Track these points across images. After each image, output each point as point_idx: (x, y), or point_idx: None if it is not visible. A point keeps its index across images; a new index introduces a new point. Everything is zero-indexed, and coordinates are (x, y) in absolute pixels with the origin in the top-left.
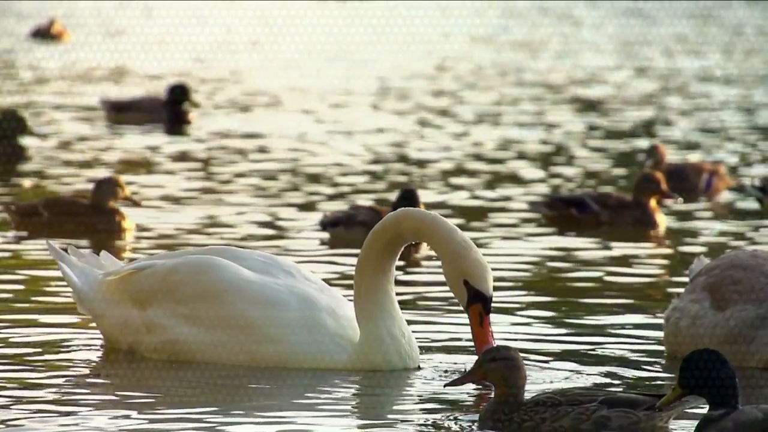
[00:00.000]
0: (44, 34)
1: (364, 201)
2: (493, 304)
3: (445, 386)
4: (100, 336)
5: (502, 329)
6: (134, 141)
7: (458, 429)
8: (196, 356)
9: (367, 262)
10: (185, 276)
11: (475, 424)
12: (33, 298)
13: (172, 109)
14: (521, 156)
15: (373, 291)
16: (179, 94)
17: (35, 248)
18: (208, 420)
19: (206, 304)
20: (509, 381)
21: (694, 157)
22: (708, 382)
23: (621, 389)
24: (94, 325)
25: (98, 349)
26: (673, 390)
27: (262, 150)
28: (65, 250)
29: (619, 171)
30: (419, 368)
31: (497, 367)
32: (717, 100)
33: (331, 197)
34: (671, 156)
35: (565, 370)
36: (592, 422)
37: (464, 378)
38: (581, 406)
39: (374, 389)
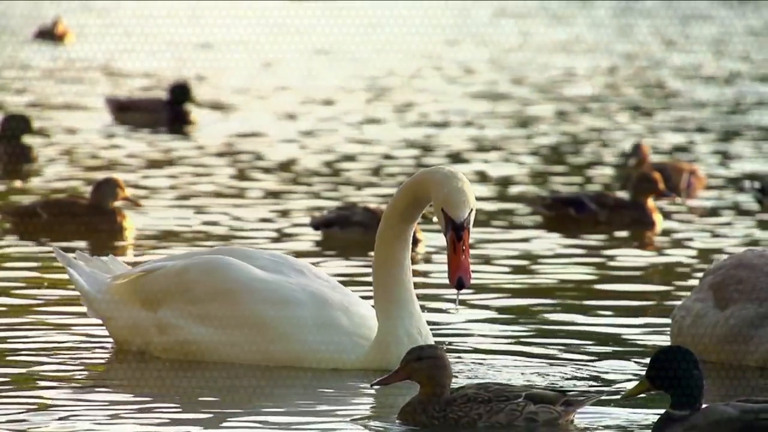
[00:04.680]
0: (48, 34)
1: (357, 200)
2: (490, 304)
3: (371, 386)
4: (108, 337)
5: (502, 329)
6: (135, 141)
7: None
8: (210, 356)
9: (383, 255)
10: (197, 276)
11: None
12: (35, 300)
13: (173, 109)
14: (516, 156)
15: (392, 284)
16: (180, 94)
17: (35, 250)
18: (215, 420)
19: (219, 303)
20: (435, 380)
21: (670, 156)
22: (680, 381)
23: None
24: (100, 326)
25: (106, 351)
26: (640, 383)
27: (257, 149)
28: (72, 254)
29: (605, 170)
30: None
31: (423, 366)
32: (699, 99)
33: (324, 197)
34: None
35: (564, 369)
36: (524, 418)
37: (390, 377)
38: (511, 402)
39: (386, 389)
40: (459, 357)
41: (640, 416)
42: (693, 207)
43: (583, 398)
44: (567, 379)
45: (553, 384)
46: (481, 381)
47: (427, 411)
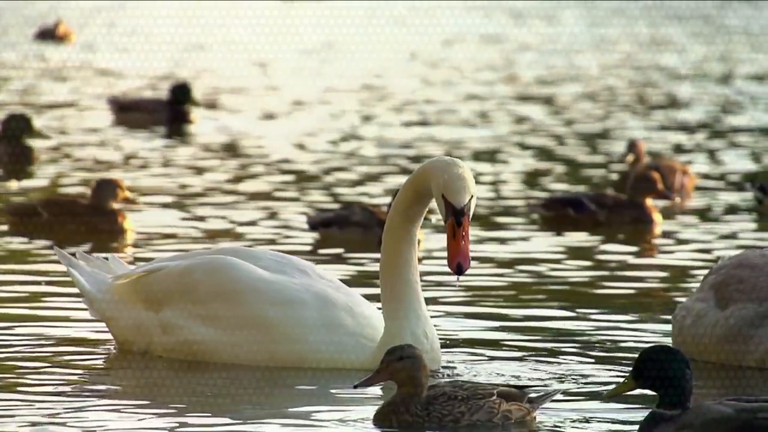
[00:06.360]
0: (49, 35)
1: (353, 200)
2: (490, 303)
3: (354, 387)
4: (110, 337)
5: (500, 328)
6: (136, 141)
7: (472, 428)
8: (214, 356)
9: (389, 256)
10: (201, 276)
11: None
12: (35, 300)
13: (173, 109)
14: (513, 156)
15: (399, 285)
16: (180, 94)
17: (36, 249)
18: (215, 420)
19: (223, 304)
20: (416, 379)
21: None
22: (670, 381)
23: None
24: (101, 325)
25: (108, 351)
26: (625, 383)
27: (254, 149)
28: (73, 254)
29: (600, 168)
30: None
31: (404, 367)
32: (692, 99)
33: (321, 197)
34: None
35: (563, 369)
36: (501, 416)
37: (373, 378)
38: (487, 399)
39: (391, 389)
40: (455, 355)
41: (624, 415)
42: (690, 207)
43: (543, 395)
44: (563, 379)
45: (546, 383)
46: (453, 379)
47: (410, 410)
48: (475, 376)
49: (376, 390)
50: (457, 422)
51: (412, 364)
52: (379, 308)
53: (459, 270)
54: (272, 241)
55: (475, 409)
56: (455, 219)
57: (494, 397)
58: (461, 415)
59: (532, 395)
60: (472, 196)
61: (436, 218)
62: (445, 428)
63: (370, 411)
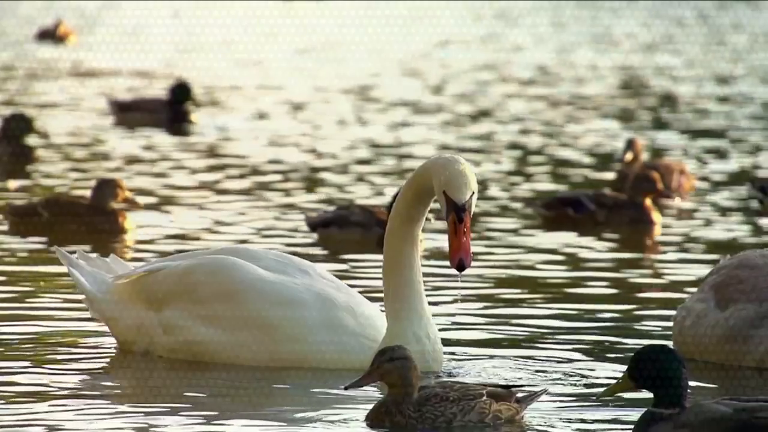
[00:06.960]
0: (50, 35)
1: (351, 200)
2: (487, 304)
3: (345, 388)
4: (111, 337)
5: (498, 328)
6: (135, 141)
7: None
8: (214, 357)
9: (392, 256)
10: (202, 276)
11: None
12: (35, 300)
13: (173, 109)
14: (510, 155)
15: (401, 286)
16: (181, 94)
17: (36, 249)
18: (215, 420)
19: (224, 304)
20: (407, 380)
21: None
22: (668, 381)
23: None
24: (100, 324)
25: (108, 351)
26: (621, 382)
27: (254, 149)
28: (73, 254)
29: (598, 168)
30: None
31: (395, 367)
32: (688, 98)
33: (317, 197)
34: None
35: (559, 369)
36: (492, 416)
37: (363, 379)
38: (478, 400)
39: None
40: (453, 355)
41: (619, 414)
42: (688, 207)
43: (530, 395)
44: (559, 379)
45: (542, 383)
46: (443, 380)
47: (403, 411)
48: (478, 375)
49: (371, 391)
50: (450, 423)
51: (403, 365)
52: (381, 309)
53: (461, 266)
54: (272, 241)
55: (467, 409)
56: (456, 215)
57: (484, 398)
58: (453, 416)
59: (519, 395)
60: (473, 193)
61: (435, 217)
62: (438, 429)
63: (363, 412)
